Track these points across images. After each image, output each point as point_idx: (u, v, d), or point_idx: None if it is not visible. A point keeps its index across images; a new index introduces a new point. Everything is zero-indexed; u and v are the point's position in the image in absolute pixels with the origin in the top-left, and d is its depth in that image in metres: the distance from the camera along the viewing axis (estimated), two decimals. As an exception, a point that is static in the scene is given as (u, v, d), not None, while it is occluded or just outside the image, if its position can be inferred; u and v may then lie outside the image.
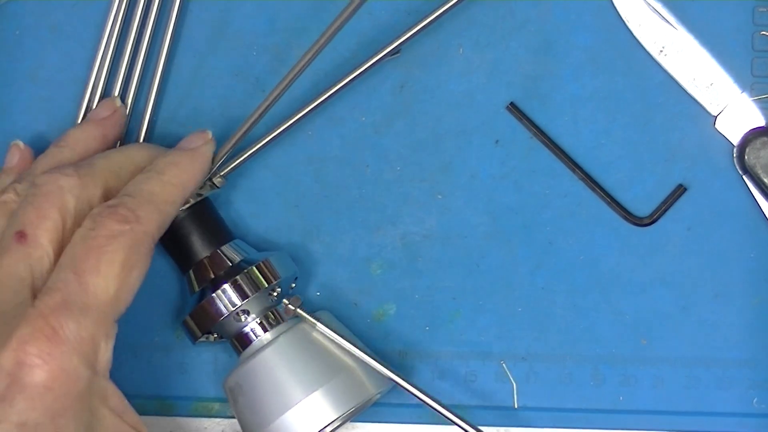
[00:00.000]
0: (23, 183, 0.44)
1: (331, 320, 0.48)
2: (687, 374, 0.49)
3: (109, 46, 0.50)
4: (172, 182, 0.44)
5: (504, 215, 0.50)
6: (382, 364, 0.46)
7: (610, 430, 0.49)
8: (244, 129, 0.46)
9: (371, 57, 0.47)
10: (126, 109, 0.49)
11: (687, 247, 0.49)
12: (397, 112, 0.50)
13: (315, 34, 0.50)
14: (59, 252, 0.41)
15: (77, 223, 0.42)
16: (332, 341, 0.46)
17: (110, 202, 0.42)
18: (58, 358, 0.38)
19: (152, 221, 0.42)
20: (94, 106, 0.50)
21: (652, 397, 0.49)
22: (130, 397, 0.41)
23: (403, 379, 0.46)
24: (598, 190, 0.49)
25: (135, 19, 0.50)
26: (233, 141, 0.46)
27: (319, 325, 0.46)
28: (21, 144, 0.48)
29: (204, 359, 0.50)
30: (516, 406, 0.50)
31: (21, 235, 0.41)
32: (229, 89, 0.50)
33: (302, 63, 0.44)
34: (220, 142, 0.48)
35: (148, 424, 0.44)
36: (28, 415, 0.37)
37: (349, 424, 0.50)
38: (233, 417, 0.50)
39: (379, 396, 0.47)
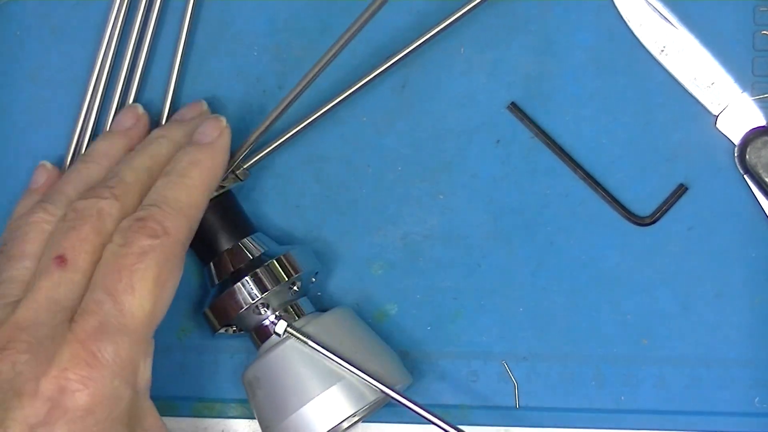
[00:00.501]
0: (53, 203, 0.44)
1: (347, 317, 0.47)
2: (688, 374, 0.49)
3: (110, 47, 0.50)
4: (195, 185, 0.44)
5: (505, 215, 0.50)
6: (373, 377, 0.45)
7: (611, 429, 0.49)
8: (267, 123, 0.46)
9: (386, 61, 0.47)
10: (148, 116, 0.49)
11: (688, 246, 0.49)
12: (398, 111, 0.50)
13: (315, 34, 0.50)
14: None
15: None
16: (350, 337, 0.46)
17: (138, 215, 0.42)
18: (99, 381, 0.38)
19: (181, 230, 0.42)
20: (95, 108, 0.50)
21: (654, 396, 0.49)
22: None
23: (402, 396, 0.45)
24: (600, 190, 0.49)
25: (136, 20, 0.50)
26: (256, 134, 0.46)
27: (310, 342, 0.45)
28: (48, 165, 0.48)
29: (205, 360, 0.50)
30: (517, 406, 0.50)
31: (61, 260, 0.41)
32: (230, 89, 0.50)
33: (324, 59, 0.44)
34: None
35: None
36: None
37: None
38: (234, 417, 0.50)
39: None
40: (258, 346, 0.48)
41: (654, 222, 0.49)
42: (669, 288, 0.49)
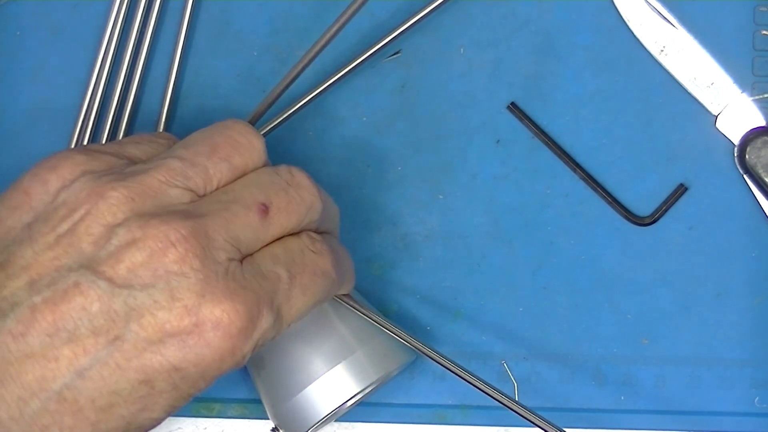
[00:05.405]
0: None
1: (355, 293, 0.47)
2: (688, 374, 0.49)
3: (110, 48, 0.50)
4: (329, 281, 0.42)
5: (505, 215, 0.50)
6: (408, 335, 0.45)
7: (611, 429, 0.49)
8: (281, 88, 0.45)
9: (369, 48, 0.46)
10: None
11: (688, 246, 0.49)
12: (398, 112, 0.50)
13: (316, 35, 0.50)
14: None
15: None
16: (354, 314, 0.46)
17: (326, 241, 0.42)
18: (244, 341, 0.37)
19: (338, 283, 0.42)
20: (94, 107, 0.49)
21: (654, 396, 0.49)
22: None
23: (432, 350, 0.45)
24: (599, 190, 0.49)
25: (136, 20, 0.50)
26: (270, 99, 0.45)
27: (350, 301, 0.45)
28: None
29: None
30: (517, 406, 0.50)
31: (265, 210, 0.40)
32: (231, 90, 0.50)
33: (307, 57, 0.44)
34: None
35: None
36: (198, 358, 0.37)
37: (348, 424, 0.50)
38: (234, 417, 0.50)
39: (398, 370, 0.47)
40: None
41: (654, 222, 0.49)
42: (669, 287, 0.49)
